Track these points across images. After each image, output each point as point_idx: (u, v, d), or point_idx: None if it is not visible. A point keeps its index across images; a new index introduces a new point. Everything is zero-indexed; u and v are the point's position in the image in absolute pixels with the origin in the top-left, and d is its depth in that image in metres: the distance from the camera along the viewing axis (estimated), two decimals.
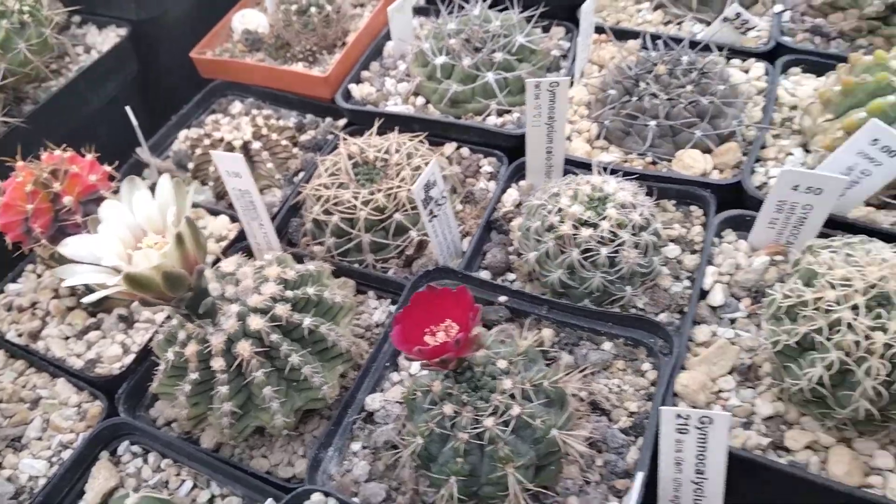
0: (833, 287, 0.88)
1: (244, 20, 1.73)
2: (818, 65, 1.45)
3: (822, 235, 1.10)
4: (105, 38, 1.64)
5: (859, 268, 0.89)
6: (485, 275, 1.25)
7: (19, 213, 1.12)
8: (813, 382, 0.86)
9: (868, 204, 1.18)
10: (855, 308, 0.85)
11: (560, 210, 1.14)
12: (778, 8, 1.56)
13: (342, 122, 1.59)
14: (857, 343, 0.83)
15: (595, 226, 1.11)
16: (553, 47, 1.61)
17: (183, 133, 1.61)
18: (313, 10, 1.59)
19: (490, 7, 1.57)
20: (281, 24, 1.62)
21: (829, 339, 0.85)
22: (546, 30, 1.66)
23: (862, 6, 1.45)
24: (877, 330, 0.83)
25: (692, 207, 1.29)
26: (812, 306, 0.88)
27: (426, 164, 1.31)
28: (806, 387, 0.87)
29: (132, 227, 0.90)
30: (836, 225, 1.14)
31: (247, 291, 1.01)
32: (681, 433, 0.83)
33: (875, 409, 0.84)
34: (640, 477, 0.84)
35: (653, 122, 1.33)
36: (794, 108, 1.39)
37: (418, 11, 1.77)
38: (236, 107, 1.66)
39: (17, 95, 1.47)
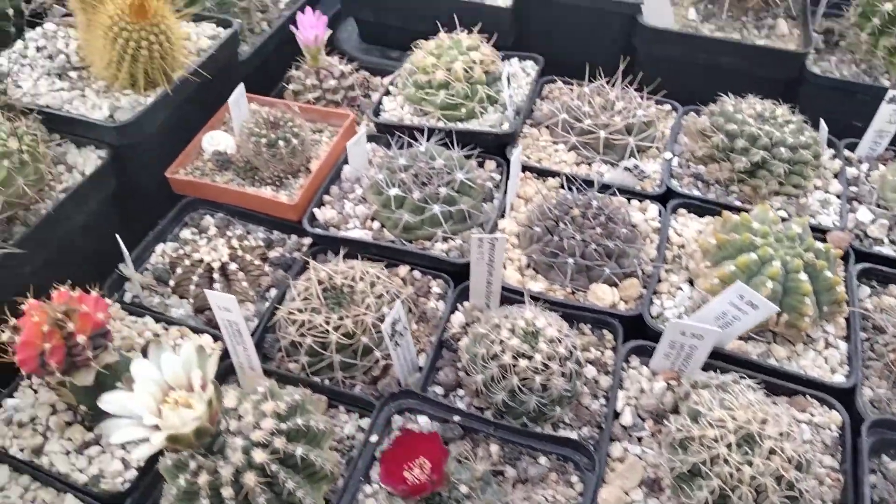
0: (712, 426, 1.13)
1: (213, 141, 1.87)
2: (701, 208, 1.75)
3: (707, 364, 1.38)
4: (86, 159, 1.74)
5: (730, 411, 1.14)
6: (439, 390, 1.44)
7: (36, 349, 1.22)
8: (701, 503, 1.10)
9: (739, 338, 1.46)
10: (729, 445, 1.10)
11: (501, 342, 1.35)
12: (668, 156, 1.86)
13: (307, 240, 1.75)
14: (731, 474, 1.08)
15: (530, 357, 1.33)
16: (487, 178, 1.84)
17: (160, 247, 1.73)
18: (281, 143, 1.76)
19: (433, 140, 1.79)
20: (251, 152, 1.78)
21: (711, 470, 1.10)
22: (481, 164, 1.89)
23: (733, 162, 1.77)
24: (744, 464, 1.08)
25: (605, 331, 1.54)
26: (697, 442, 1.13)
27: (387, 291, 1.51)
28: None
29: (160, 384, 1.04)
30: (717, 355, 1.41)
31: (248, 427, 1.16)
32: None
33: None
34: None
35: (571, 260, 1.58)
36: (681, 246, 1.68)
37: (372, 138, 1.96)
38: (208, 221, 1.79)
39: (8, 218, 1.55)
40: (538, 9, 2.23)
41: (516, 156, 1.71)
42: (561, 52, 2.21)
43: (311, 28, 1.93)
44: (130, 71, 1.75)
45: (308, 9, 1.96)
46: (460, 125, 1.93)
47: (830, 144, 1.91)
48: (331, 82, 2.04)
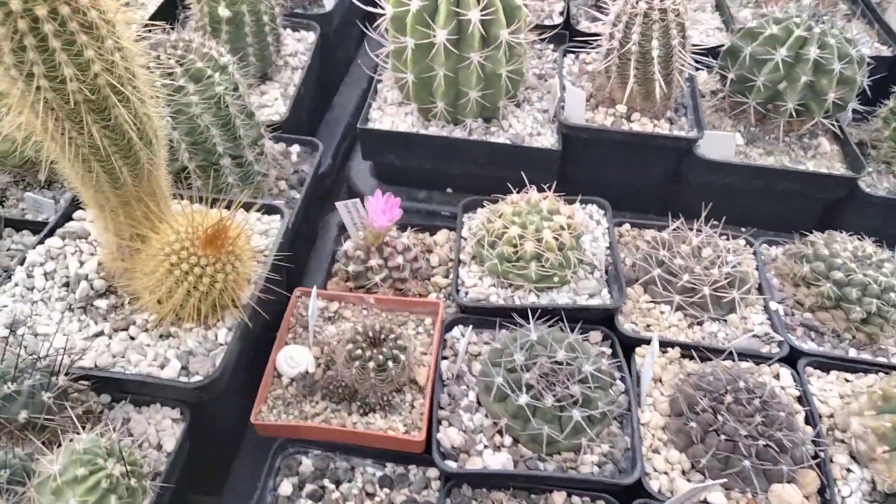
0: None
1: (292, 361, 1.55)
2: (827, 365, 1.66)
3: None
4: (158, 426, 1.37)
5: None
6: None
7: None
8: None
9: None
10: None
11: None
12: (773, 306, 1.76)
13: (432, 472, 1.48)
14: None
15: None
16: (607, 360, 1.65)
17: None
18: (391, 364, 1.47)
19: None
20: (354, 377, 1.48)
21: None
22: (585, 337, 1.70)
23: (847, 312, 1.69)
24: None
25: None
26: None
27: None
28: None
29: None
30: None
31: None
32: None
33: None
34: None
35: (747, 463, 1.42)
36: (830, 416, 1.57)
37: (458, 321, 1.71)
38: (305, 466, 1.47)
39: None
40: (586, 147, 2.07)
41: (654, 348, 1.53)
42: (604, 185, 2.08)
43: (384, 213, 1.66)
44: (195, 305, 1.40)
45: (378, 192, 1.68)
46: (560, 299, 1.73)
47: None
48: (397, 260, 1.77)
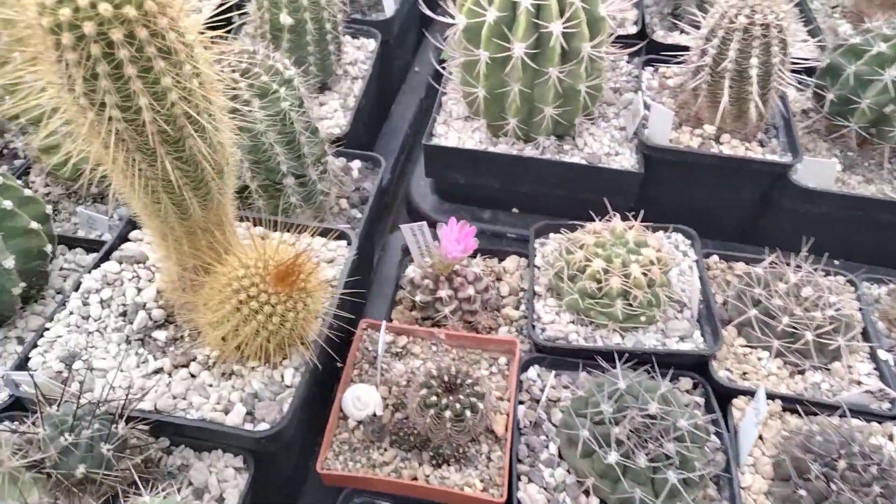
0: None
1: (360, 403, 1.43)
2: None
3: None
4: (220, 474, 1.27)
5: None
6: None
7: None
8: None
9: None
10: None
11: None
12: (884, 356, 1.60)
13: None
14: None
15: None
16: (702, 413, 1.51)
17: None
18: (468, 413, 1.35)
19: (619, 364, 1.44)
20: (428, 426, 1.35)
21: None
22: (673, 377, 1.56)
23: None
24: None
25: None
26: None
27: None
28: None
29: None
30: None
31: None
32: None
33: None
34: None
35: None
36: None
37: (535, 360, 1.58)
38: None
39: None
40: (670, 170, 1.92)
41: (759, 403, 1.38)
42: (686, 210, 1.93)
43: (458, 243, 1.53)
44: (262, 345, 1.29)
45: (452, 220, 1.55)
46: (647, 341, 1.59)
47: None
48: (468, 291, 1.64)
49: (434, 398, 1.36)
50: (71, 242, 1.70)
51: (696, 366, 1.57)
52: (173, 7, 0.93)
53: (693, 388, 1.57)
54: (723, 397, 1.54)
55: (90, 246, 1.68)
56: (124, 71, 0.89)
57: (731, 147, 1.92)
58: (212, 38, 1.05)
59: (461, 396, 1.36)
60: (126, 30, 0.87)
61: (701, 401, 1.55)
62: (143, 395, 1.24)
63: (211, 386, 1.30)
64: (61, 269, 1.64)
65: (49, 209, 1.56)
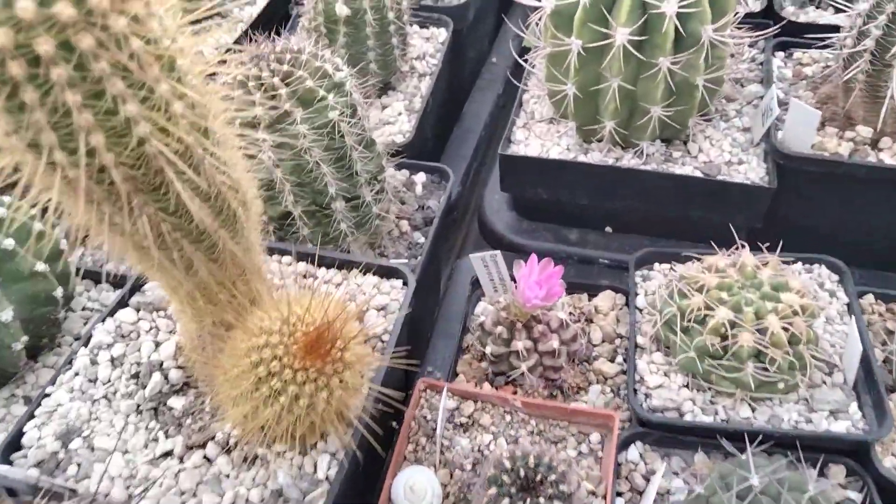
0: None
1: (414, 495, 1.14)
2: None
3: None
4: None
5: None
6: None
7: None
8: None
9: None
10: None
11: None
12: None
13: None
14: None
15: None
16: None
17: None
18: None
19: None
20: None
21: None
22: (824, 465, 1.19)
23: None
24: None
25: None
26: None
27: None
28: None
29: None
30: None
31: None
32: None
33: None
34: None
35: None
36: None
37: (637, 436, 1.24)
38: None
39: None
40: (810, 184, 1.52)
41: None
42: (829, 235, 1.53)
43: (540, 287, 1.21)
44: (288, 429, 1.02)
45: (532, 257, 1.23)
46: (785, 415, 1.22)
47: None
48: (551, 343, 1.31)
49: (506, 501, 1.05)
50: (97, 276, 1.49)
51: (852, 451, 1.19)
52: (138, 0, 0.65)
53: (846, 477, 1.20)
54: (891, 494, 1.15)
55: (116, 281, 1.47)
56: (62, 98, 0.62)
57: (891, 153, 1.50)
58: (215, 38, 0.77)
59: (541, 500, 1.04)
60: (58, 39, 0.60)
61: (857, 498, 1.17)
62: (145, 490, 1.00)
63: (227, 477, 1.04)
64: (83, 308, 1.43)
65: (64, 243, 1.35)
